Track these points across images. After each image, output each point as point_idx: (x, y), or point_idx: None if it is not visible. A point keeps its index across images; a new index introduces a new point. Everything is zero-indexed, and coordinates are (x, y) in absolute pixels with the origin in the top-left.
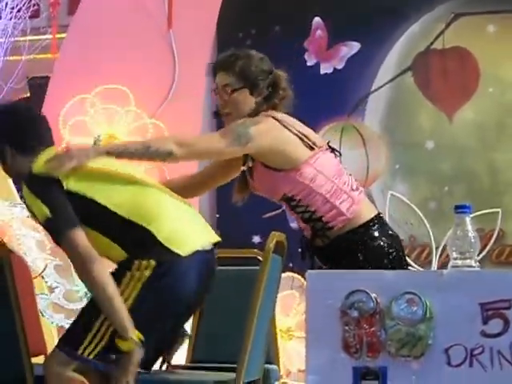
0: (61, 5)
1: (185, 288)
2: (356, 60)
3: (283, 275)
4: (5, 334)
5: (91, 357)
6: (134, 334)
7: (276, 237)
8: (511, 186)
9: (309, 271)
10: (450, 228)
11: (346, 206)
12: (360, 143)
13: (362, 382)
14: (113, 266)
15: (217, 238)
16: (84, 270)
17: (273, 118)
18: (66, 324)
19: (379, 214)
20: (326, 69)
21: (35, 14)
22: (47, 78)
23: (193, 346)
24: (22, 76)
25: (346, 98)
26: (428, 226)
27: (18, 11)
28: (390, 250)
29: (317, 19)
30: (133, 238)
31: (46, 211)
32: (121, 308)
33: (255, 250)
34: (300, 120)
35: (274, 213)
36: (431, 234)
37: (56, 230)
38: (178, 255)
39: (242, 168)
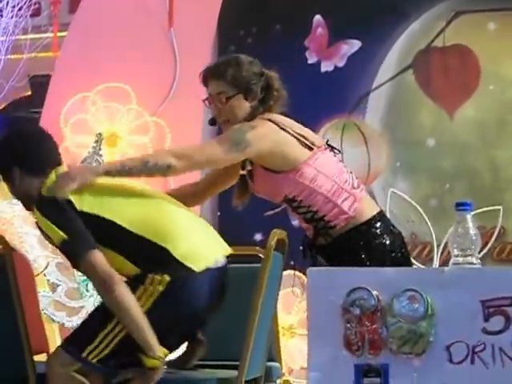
0: (62, 3)
1: (197, 304)
2: (357, 58)
3: (285, 273)
4: (7, 332)
5: (94, 361)
6: (161, 352)
7: (277, 234)
8: None
9: (310, 268)
10: (451, 225)
11: (348, 205)
12: (361, 141)
13: (363, 380)
14: None
15: (228, 251)
16: (106, 292)
17: (269, 120)
18: (68, 322)
19: (381, 211)
20: (326, 67)
21: (36, 13)
22: (48, 77)
23: None
24: (23, 74)
25: (346, 95)
26: (429, 223)
27: (19, 10)
28: (393, 248)
29: (317, 17)
30: (148, 256)
31: (62, 234)
32: (145, 326)
33: (257, 248)
34: (301, 118)
35: (275, 211)
36: (432, 231)
37: (74, 253)
38: (193, 271)
39: (241, 172)
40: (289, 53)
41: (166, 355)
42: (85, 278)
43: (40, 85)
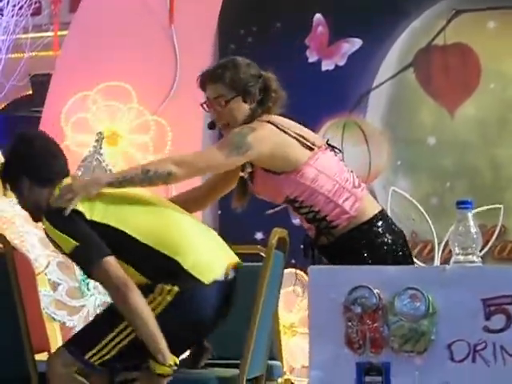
0: (62, 2)
1: (204, 315)
2: (357, 56)
3: (286, 271)
4: (8, 331)
5: (97, 363)
6: (171, 359)
7: (278, 233)
8: None
9: (311, 267)
10: (451, 224)
11: (350, 204)
12: (362, 139)
13: (365, 378)
14: None
15: (236, 259)
16: (120, 298)
17: (269, 122)
18: (69, 321)
19: (383, 210)
20: (327, 65)
21: (37, 12)
22: (49, 76)
23: None
24: (24, 73)
25: (347, 94)
26: (430, 221)
27: (20, 9)
28: (395, 247)
29: (318, 16)
30: (157, 266)
31: (73, 242)
32: (157, 333)
33: (258, 247)
34: (303, 120)
35: (275, 209)
36: (433, 229)
37: (87, 259)
38: (201, 283)
39: (241, 174)
40: (289, 52)
41: (175, 364)
42: (85, 277)
43: (41, 84)
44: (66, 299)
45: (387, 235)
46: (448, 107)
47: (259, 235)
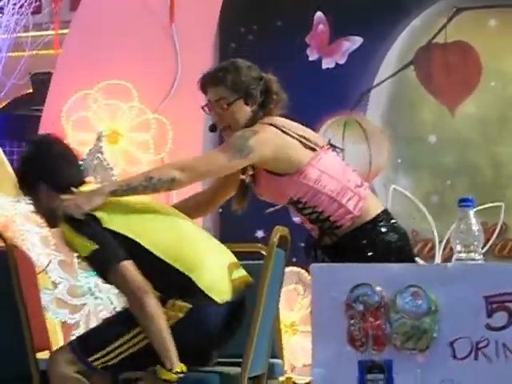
0: (63, 1)
1: (213, 334)
2: (358, 55)
3: (287, 270)
4: (10, 329)
5: (99, 367)
6: (179, 367)
7: (280, 231)
8: None
9: (313, 265)
10: (452, 222)
11: (353, 204)
12: (362, 137)
13: (367, 375)
14: None
15: (247, 277)
16: (137, 303)
17: (271, 124)
18: (70, 319)
19: (386, 209)
20: (328, 64)
21: (37, 10)
22: (50, 74)
23: None
24: (24, 72)
25: (348, 92)
26: (431, 220)
27: (21, 7)
28: (398, 245)
29: (318, 14)
30: (170, 281)
31: (92, 245)
32: (168, 339)
33: (259, 245)
34: (302, 115)
35: (276, 207)
36: (434, 228)
37: (105, 262)
38: (215, 302)
39: (242, 177)
40: (290, 50)
41: (182, 371)
42: (86, 276)
43: (41, 82)
44: (67, 298)
45: (390, 234)
46: (448, 105)
47: (260, 233)
